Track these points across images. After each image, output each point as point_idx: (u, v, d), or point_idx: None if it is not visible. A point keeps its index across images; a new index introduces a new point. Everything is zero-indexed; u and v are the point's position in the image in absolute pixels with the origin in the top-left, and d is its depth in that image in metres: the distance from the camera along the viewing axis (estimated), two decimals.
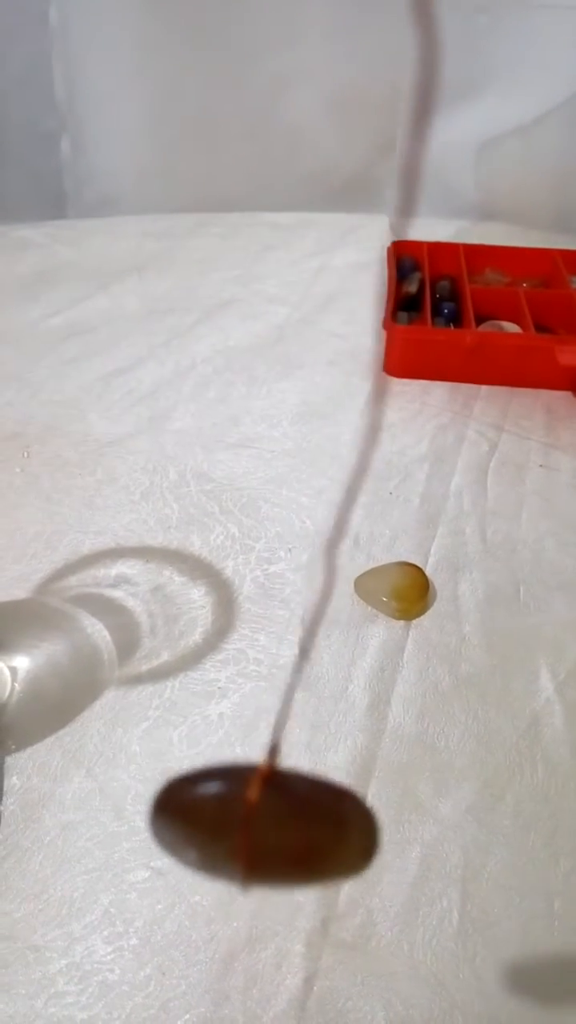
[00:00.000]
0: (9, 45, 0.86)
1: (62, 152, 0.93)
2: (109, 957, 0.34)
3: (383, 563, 0.50)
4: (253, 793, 0.19)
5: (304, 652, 0.45)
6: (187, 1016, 0.32)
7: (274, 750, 0.19)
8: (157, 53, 0.90)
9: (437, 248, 0.81)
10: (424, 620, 0.48)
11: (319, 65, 0.90)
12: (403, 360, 0.69)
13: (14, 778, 0.39)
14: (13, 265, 0.87)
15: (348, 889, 0.36)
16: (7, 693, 0.43)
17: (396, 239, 0.82)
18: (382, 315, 0.71)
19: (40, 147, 0.93)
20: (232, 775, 0.20)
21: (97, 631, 0.46)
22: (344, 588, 0.49)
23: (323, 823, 0.20)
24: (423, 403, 0.66)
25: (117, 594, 0.49)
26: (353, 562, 0.51)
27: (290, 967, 0.33)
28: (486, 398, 0.67)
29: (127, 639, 0.46)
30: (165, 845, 0.20)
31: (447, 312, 0.74)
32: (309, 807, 0.20)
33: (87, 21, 0.87)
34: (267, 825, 0.19)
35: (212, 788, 0.20)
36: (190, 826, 0.20)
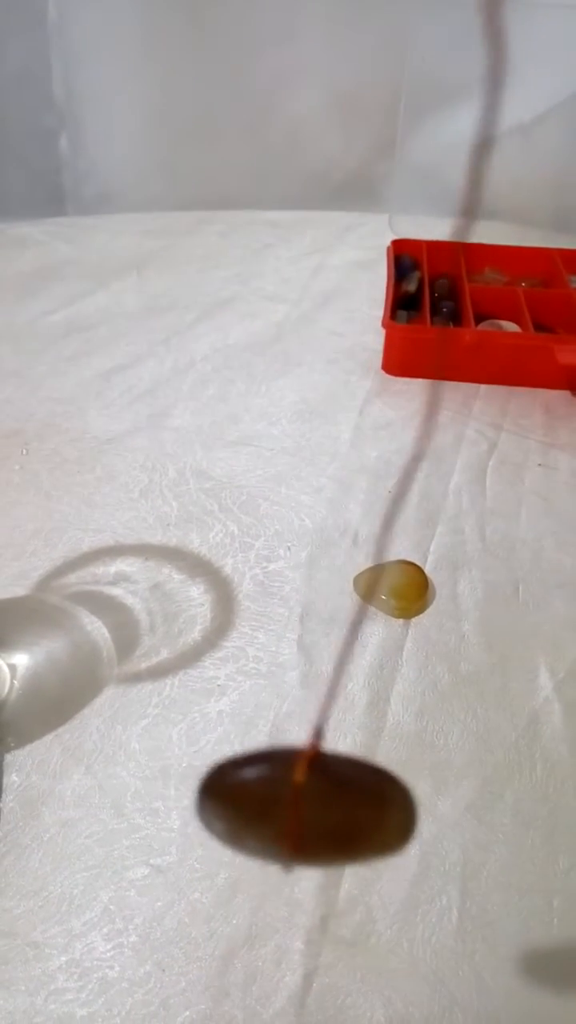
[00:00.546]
0: (8, 42, 0.86)
1: (61, 149, 0.93)
2: (109, 954, 0.34)
3: (382, 561, 0.51)
4: (300, 775, 0.19)
5: (303, 650, 0.45)
6: (187, 1013, 0.32)
7: (318, 733, 0.19)
8: (156, 50, 0.89)
9: (436, 247, 0.81)
10: (423, 619, 0.48)
11: (319, 63, 0.90)
12: (402, 359, 0.69)
13: (13, 775, 0.39)
14: (12, 262, 0.87)
15: (347, 886, 0.36)
16: (6, 690, 0.43)
17: (396, 237, 0.82)
18: (381, 314, 0.71)
19: (39, 144, 0.93)
20: (277, 758, 0.20)
21: (96, 628, 0.46)
22: (343, 586, 0.49)
23: (365, 803, 0.20)
24: (422, 402, 0.66)
25: (116, 592, 0.49)
26: (352, 560, 0.51)
27: (290, 964, 0.33)
28: (485, 397, 0.67)
29: (126, 637, 0.46)
30: (211, 828, 0.20)
31: (446, 311, 0.74)
32: (352, 787, 0.20)
33: (86, 18, 0.86)
34: (313, 806, 0.19)
35: (259, 771, 0.21)
36: (237, 809, 0.20)
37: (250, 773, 0.21)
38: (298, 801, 0.19)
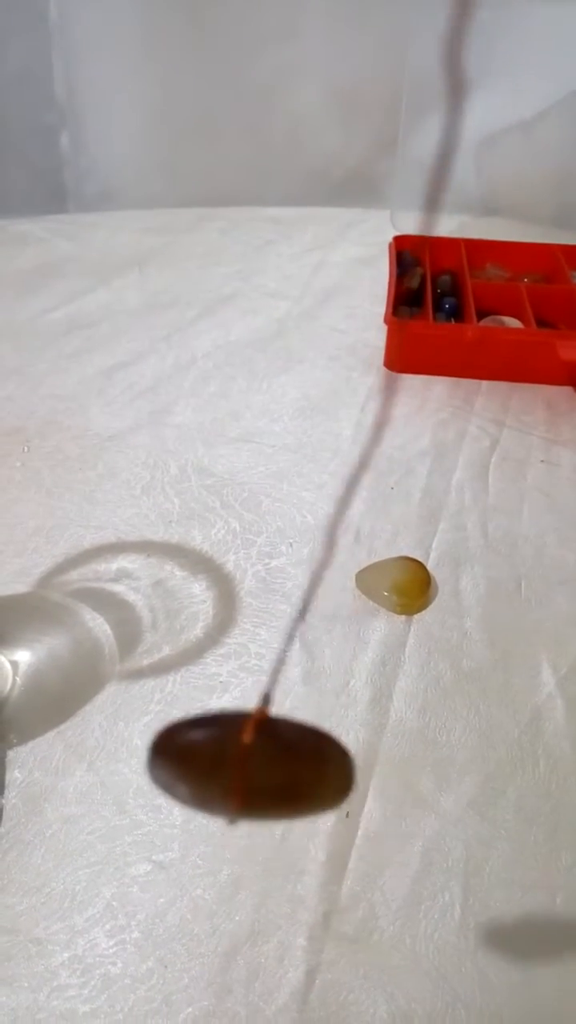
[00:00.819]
0: (9, 41, 0.86)
1: (62, 147, 0.93)
2: (111, 950, 0.34)
3: (384, 558, 0.50)
4: (247, 736, 0.20)
5: (305, 647, 0.45)
6: (189, 1009, 0.32)
7: (267, 698, 0.21)
8: (157, 48, 0.89)
9: (438, 243, 0.80)
10: (426, 615, 0.48)
11: (320, 59, 0.90)
12: (404, 355, 0.69)
13: (16, 772, 0.39)
14: (13, 259, 0.87)
15: (350, 883, 0.36)
16: (8, 687, 0.43)
17: (397, 233, 0.82)
18: (383, 310, 0.71)
19: (40, 142, 0.93)
20: (226, 721, 0.21)
21: (98, 625, 0.46)
22: (345, 583, 0.49)
23: (307, 762, 0.22)
24: (424, 398, 0.66)
25: (118, 588, 0.49)
26: (354, 557, 0.51)
27: (292, 960, 0.33)
28: (487, 393, 0.67)
29: (128, 633, 0.46)
30: (160, 784, 0.22)
31: (448, 307, 0.74)
32: (295, 748, 0.22)
33: (87, 17, 0.86)
34: (258, 765, 0.21)
35: (208, 732, 0.22)
36: (186, 766, 0.21)
37: (200, 734, 0.22)
38: (245, 760, 0.20)
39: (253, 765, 0.21)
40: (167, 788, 0.22)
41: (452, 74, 0.13)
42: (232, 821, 0.21)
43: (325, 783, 0.22)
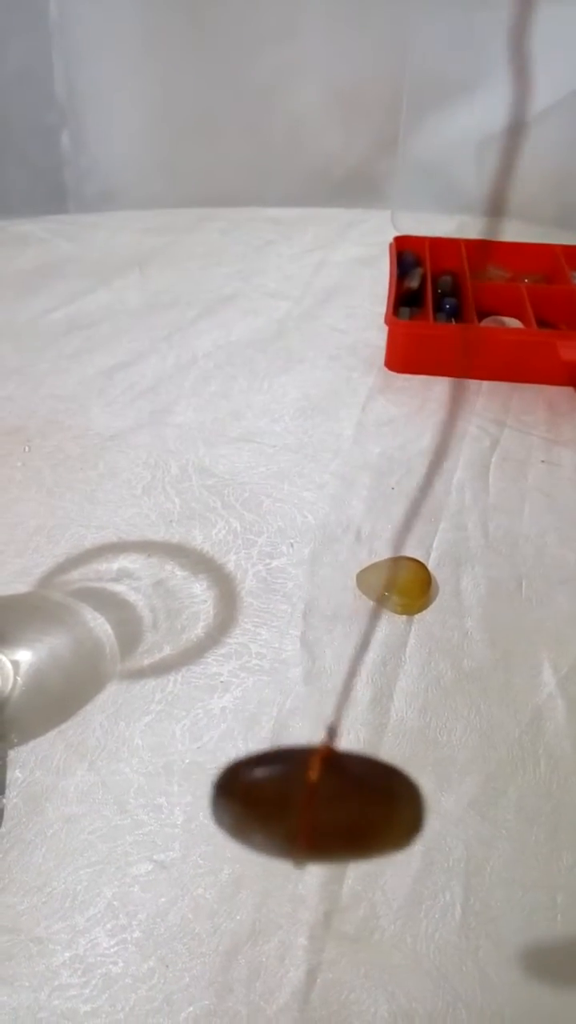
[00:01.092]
0: (9, 40, 0.86)
1: (62, 147, 0.93)
2: (112, 950, 0.34)
3: (385, 558, 0.50)
4: (314, 773, 0.19)
5: (306, 646, 0.45)
6: (190, 1009, 0.32)
7: (332, 732, 0.20)
8: (157, 47, 0.89)
9: (439, 243, 0.80)
10: (426, 615, 0.48)
11: (320, 59, 0.90)
12: (405, 355, 0.69)
13: (17, 771, 0.39)
14: (14, 260, 0.87)
15: (351, 882, 0.36)
16: (10, 687, 0.43)
17: (397, 233, 0.82)
18: (384, 310, 0.71)
19: (41, 142, 0.93)
20: (292, 757, 0.20)
21: (99, 625, 0.46)
22: (346, 583, 0.49)
23: (376, 800, 0.21)
24: (424, 398, 0.66)
25: (119, 588, 0.49)
26: (355, 557, 0.51)
27: (293, 960, 0.33)
28: (488, 393, 0.67)
29: (129, 633, 0.46)
30: (226, 827, 0.21)
31: (449, 307, 0.74)
32: (364, 785, 0.21)
33: (87, 16, 0.86)
34: (326, 804, 0.20)
35: (273, 770, 0.21)
36: (252, 807, 0.20)
37: (264, 772, 0.21)
38: (312, 799, 0.19)
39: (320, 804, 0.20)
40: (233, 832, 0.21)
41: (517, 61, 0.13)
42: (299, 864, 0.20)
43: (395, 822, 0.21)
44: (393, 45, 0.85)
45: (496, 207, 0.14)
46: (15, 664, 0.44)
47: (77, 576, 0.50)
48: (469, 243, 0.80)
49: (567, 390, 0.68)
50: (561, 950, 0.34)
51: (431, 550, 0.52)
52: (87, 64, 0.89)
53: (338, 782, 0.20)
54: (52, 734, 0.41)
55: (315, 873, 0.36)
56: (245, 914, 0.35)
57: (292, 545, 0.52)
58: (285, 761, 0.21)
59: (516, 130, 0.14)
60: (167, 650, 0.45)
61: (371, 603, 0.48)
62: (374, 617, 0.47)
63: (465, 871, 0.36)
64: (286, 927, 0.34)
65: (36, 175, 0.95)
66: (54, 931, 0.34)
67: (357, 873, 0.36)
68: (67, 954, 0.34)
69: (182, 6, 0.87)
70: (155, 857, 0.37)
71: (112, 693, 0.43)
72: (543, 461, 0.60)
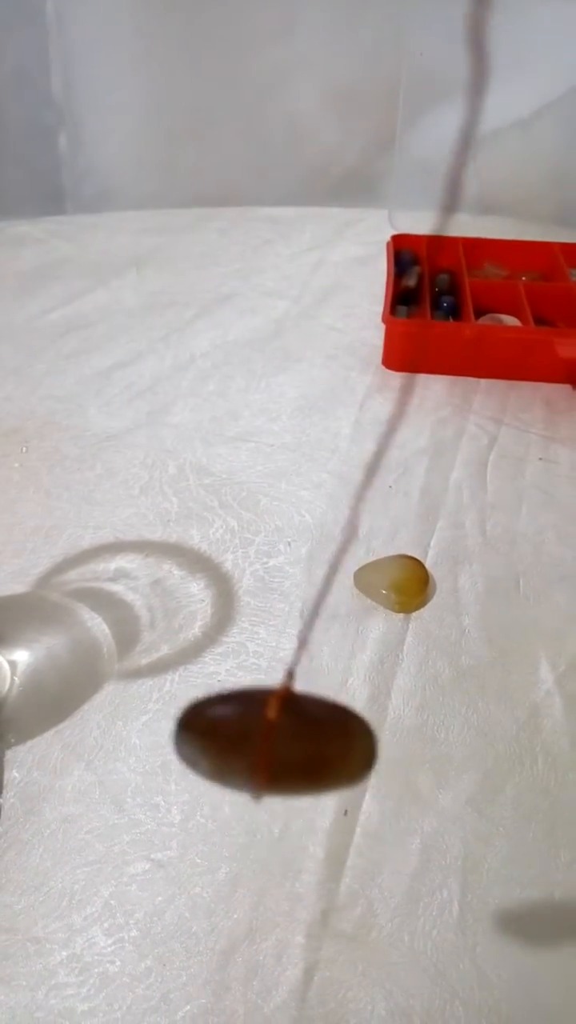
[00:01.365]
0: (6, 40, 0.86)
1: (60, 147, 0.93)
2: (110, 949, 0.34)
3: (383, 556, 0.50)
4: (272, 711, 0.20)
5: (303, 645, 0.45)
6: (188, 1007, 0.32)
7: (290, 675, 0.21)
8: (154, 47, 0.89)
9: (436, 242, 0.80)
10: (424, 613, 0.48)
11: (317, 58, 0.90)
12: (402, 354, 0.69)
13: (14, 771, 0.39)
14: (11, 261, 0.87)
15: (348, 880, 0.36)
16: (7, 687, 0.43)
17: (395, 232, 0.82)
18: (381, 309, 0.71)
19: (38, 142, 0.93)
20: (251, 697, 0.22)
21: (96, 625, 0.46)
22: (343, 581, 0.49)
23: (332, 737, 0.22)
24: (422, 397, 0.66)
25: (116, 588, 0.49)
26: (352, 555, 0.51)
27: (290, 958, 0.33)
28: (485, 392, 0.67)
29: (127, 633, 0.46)
30: (185, 758, 0.22)
31: (446, 306, 0.74)
32: (320, 724, 0.22)
33: (84, 16, 0.86)
34: (284, 740, 0.21)
35: (233, 708, 0.22)
36: (211, 740, 0.22)
37: (225, 710, 0.22)
38: (271, 735, 0.21)
39: (278, 740, 0.21)
40: (191, 762, 0.22)
41: (476, 59, 0.13)
42: (257, 796, 0.21)
43: (350, 757, 0.22)
44: (390, 44, 0.85)
45: (450, 203, 0.15)
46: (12, 664, 0.44)
47: (74, 576, 0.50)
48: (467, 241, 0.80)
49: (565, 388, 0.68)
50: (559, 947, 0.34)
51: (428, 548, 0.52)
52: (84, 64, 0.89)
53: (296, 720, 0.21)
54: (49, 734, 0.41)
55: (312, 871, 0.36)
56: (242, 913, 0.35)
57: (289, 544, 0.52)
58: (245, 700, 0.22)
59: (471, 124, 0.14)
60: (164, 649, 0.45)
61: (369, 601, 0.48)
62: (371, 615, 0.47)
63: (462, 868, 0.36)
64: (283, 925, 0.34)
65: (33, 176, 0.95)
66: (51, 930, 0.34)
67: (354, 871, 0.36)
68: (64, 953, 0.34)
69: (179, 6, 0.87)
70: (152, 856, 0.37)
71: (109, 693, 0.43)
72: (541, 459, 0.60)
